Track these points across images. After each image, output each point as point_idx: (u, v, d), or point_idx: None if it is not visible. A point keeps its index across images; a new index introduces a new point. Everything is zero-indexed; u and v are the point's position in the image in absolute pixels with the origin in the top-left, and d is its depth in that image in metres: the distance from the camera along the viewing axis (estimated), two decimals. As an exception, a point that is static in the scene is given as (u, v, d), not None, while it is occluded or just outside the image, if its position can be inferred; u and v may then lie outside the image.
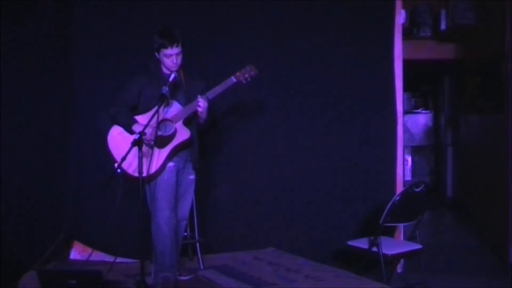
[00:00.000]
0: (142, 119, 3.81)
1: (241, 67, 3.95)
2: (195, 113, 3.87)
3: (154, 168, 3.76)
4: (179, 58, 3.84)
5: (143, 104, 3.89)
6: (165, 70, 3.91)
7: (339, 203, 4.98)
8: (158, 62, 3.91)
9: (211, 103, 3.91)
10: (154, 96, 3.78)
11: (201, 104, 3.82)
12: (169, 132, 3.81)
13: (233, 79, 3.91)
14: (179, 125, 3.83)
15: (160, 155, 3.79)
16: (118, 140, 3.85)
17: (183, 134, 3.85)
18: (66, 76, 4.88)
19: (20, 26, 4.29)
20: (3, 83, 4.05)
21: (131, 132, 3.79)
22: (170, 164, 3.86)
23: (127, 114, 3.88)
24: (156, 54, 3.87)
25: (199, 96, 3.83)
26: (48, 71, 4.66)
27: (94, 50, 4.88)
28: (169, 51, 3.80)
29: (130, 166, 3.74)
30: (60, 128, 4.85)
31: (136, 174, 3.61)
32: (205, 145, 4.41)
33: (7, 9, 4.06)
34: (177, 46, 3.80)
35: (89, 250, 4.80)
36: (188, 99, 3.90)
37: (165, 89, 3.71)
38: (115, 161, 3.70)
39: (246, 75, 3.93)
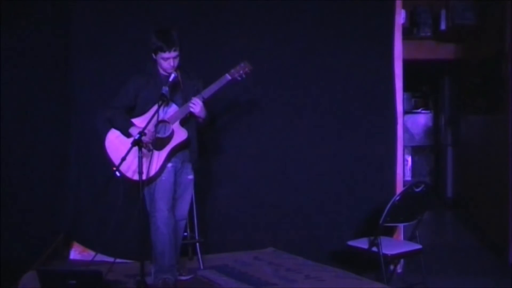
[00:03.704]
0: (139, 121, 3.78)
1: (235, 64, 3.92)
2: (192, 113, 3.84)
3: (153, 170, 3.74)
4: (176, 60, 3.78)
5: (140, 106, 3.85)
6: (162, 71, 3.86)
7: (339, 203, 4.98)
8: (155, 63, 3.86)
9: (208, 102, 3.89)
10: (151, 97, 3.75)
11: (195, 104, 3.78)
12: (166, 133, 3.78)
13: (228, 76, 3.86)
14: (176, 126, 3.80)
15: (159, 157, 3.77)
16: (116, 143, 3.82)
17: (180, 135, 3.82)
18: (66, 77, 4.88)
19: (20, 27, 4.29)
20: (3, 84, 4.05)
21: (128, 135, 3.74)
22: (168, 164, 3.84)
23: (124, 117, 3.83)
24: (153, 55, 3.80)
25: (192, 97, 3.80)
26: (48, 72, 4.66)
27: (94, 50, 4.88)
28: (166, 54, 3.73)
29: (129, 169, 3.72)
30: (60, 128, 4.85)
31: (135, 177, 3.59)
32: (205, 145, 4.40)
33: (7, 10, 4.06)
34: (175, 50, 3.74)
35: (89, 250, 4.81)
36: (185, 100, 3.85)
37: (165, 89, 3.67)
38: (114, 165, 3.64)
39: (241, 72, 3.88)
